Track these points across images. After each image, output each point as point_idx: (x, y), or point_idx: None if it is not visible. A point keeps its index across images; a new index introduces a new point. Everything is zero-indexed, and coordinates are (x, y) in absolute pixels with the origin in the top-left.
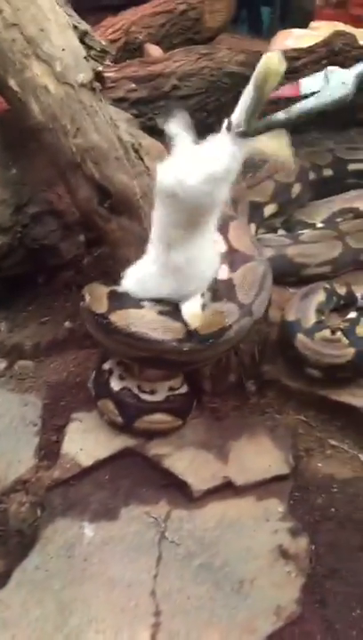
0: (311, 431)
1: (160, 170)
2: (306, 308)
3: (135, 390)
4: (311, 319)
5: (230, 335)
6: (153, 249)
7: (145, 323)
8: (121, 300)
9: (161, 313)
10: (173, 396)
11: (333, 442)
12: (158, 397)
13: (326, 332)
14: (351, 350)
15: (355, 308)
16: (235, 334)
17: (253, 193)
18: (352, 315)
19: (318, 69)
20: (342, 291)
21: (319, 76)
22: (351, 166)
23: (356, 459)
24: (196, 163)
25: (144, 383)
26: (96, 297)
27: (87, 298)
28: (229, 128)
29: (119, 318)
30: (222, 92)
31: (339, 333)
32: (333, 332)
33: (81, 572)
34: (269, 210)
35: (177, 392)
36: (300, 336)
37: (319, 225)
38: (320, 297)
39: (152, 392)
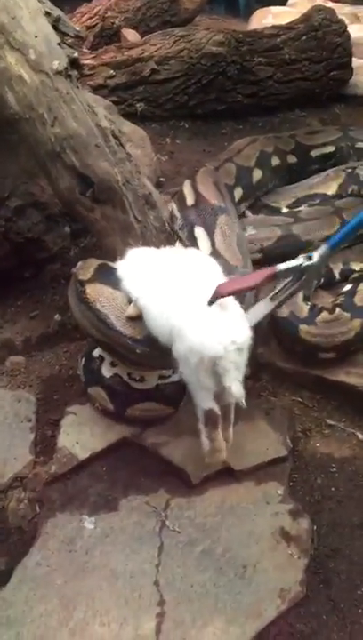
0: (308, 412)
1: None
2: (293, 298)
3: (125, 378)
4: (304, 307)
5: None
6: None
7: (113, 307)
8: (105, 276)
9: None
10: (163, 385)
11: (330, 421)
12: (148, 385)
13: (325, 314)
14: (357, 322)
15: (337, 282)
16: None
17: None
18: (347, 287)
19: (299, 46)
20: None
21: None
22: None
23: (353, 437)
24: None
25: (134, 371)
26: (87, 266)
27: (79, 265)
28: None
29: (93, 291)
30: (203, 73)
31: (338, 310)
32: (330, 311)
33: (83, 566)
34: (237, 193)
35: (168, 380)
36: (302, 327)
37: (284, 210)
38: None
39: (142, 380)
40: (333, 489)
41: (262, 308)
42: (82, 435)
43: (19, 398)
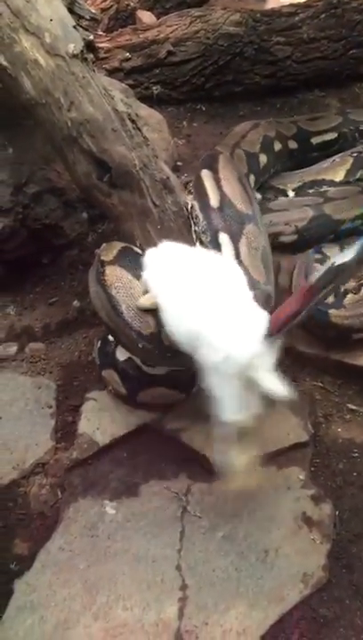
0: (329, 397)
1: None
2: None
3: (138, 362)
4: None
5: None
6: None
7: (128, 295)
8: (127, 261)
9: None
10: (175, 371)
11: (351, 406)
12: (160, 371)
13: (351, 295)
14: None
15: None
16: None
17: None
18: None
19: (318, 24)
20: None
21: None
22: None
23: None
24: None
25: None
26: (110, 247)
27: (103, 246)
28: None
29: (112, 274)
30: (219, 54)
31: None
32: (356, 292)
33: (105, 550)
34: (251, 181)
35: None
36: (332, 312)
37: (290, 193)
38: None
39: (154, 365)
40: (355, 474)
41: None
42: (102, 420)
43: (39, 385)
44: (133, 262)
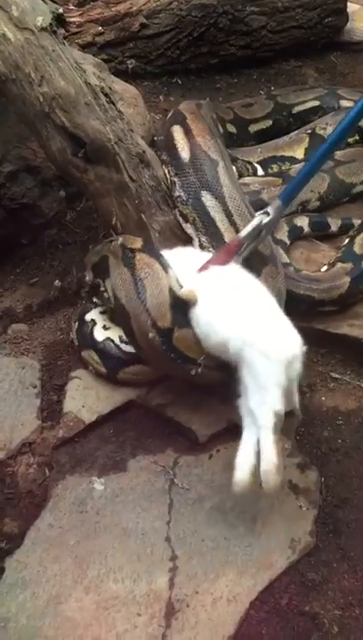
0: (313, 366)
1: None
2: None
3: (117, 341)
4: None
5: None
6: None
7: (155, 283)
8: (153, 253)
9: (174, 307)
10: None
11: (335, 374)
12: None
13: (325, 268)
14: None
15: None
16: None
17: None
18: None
19: None
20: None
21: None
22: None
23: (359, 389)
24: None
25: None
26: (133, 239)
27: (121, 238)
28: None
29: (142, 260)
30: (193, 26)
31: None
32: (330, 267)
33: (95, 526)
34: None
35: None
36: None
37: (255, 164)
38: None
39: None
40: (339, 441)
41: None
42: (88, 398)
43: (23, 365)
44: (159, 257)
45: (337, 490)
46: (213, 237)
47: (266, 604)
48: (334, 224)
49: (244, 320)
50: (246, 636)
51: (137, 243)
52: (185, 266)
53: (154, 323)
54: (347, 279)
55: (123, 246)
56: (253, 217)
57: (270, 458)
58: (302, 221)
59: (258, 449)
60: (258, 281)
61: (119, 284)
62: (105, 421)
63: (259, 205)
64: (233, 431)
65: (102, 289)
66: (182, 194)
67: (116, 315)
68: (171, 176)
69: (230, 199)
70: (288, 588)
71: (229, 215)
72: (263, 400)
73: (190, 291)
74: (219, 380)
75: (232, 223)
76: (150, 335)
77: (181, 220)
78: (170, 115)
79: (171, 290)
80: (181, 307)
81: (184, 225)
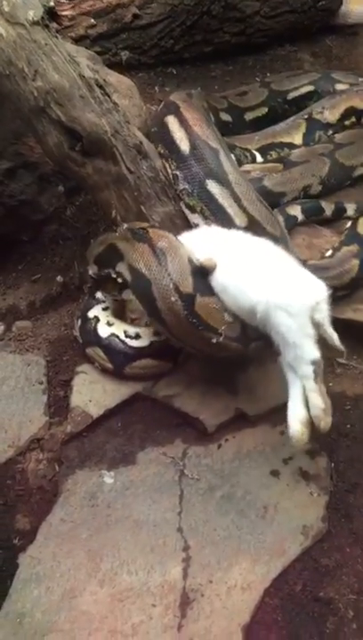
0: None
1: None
2: None
3: (122, 336)
4: None
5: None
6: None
7: (173, 251)
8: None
9: (194, 274)
10: (157, 342)
11: (341, 360)
12: (143, 343)
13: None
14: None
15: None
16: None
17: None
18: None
19: None
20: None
21: None
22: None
23: None
24: None
25: (129, 328)
26: (139, 223)
27: (125, 225)
28: None
29: (156, 233)
30: (186, 14)
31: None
32: (333, 253)
33: (106, 519)
34: None
35: (163, 337)
36: None
37: (254, 151)
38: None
39: (138, 337)
40: (348, 426)
41: None
42: (94, 393)
43: (28, 362)
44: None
45: (348, 475)
46: (224, 223)
47: (280, 591)
48: (328, 208)
49: (263, 281)
50: (261, 623)
51: (143, 225)
52: (195, 243)
53: (176, 287)
54: (355, 262)
55: (131, 229)
56: (260, 201)
57: (317, 403)
58: (295, 210)
59: (305, 399)
60: (269, 241)
61: (137, 257)
62: (112, 415)
63: (262, 192)
64: (242, 420)
65: (114, 276)
66: (187, 186)
67: (135, 290)
68: (172, 170)
69: (237, 185)
70: (302, 574)
71: (237, 200)
72: (298, 354)
73: (208, 258)
74: (236, 351)
75: (241, 207)
76: (173, 299)
77: (187, 211)
78: (161, 106)
79: (190, 258)
80: (202, 275)
81: (191, 216)
